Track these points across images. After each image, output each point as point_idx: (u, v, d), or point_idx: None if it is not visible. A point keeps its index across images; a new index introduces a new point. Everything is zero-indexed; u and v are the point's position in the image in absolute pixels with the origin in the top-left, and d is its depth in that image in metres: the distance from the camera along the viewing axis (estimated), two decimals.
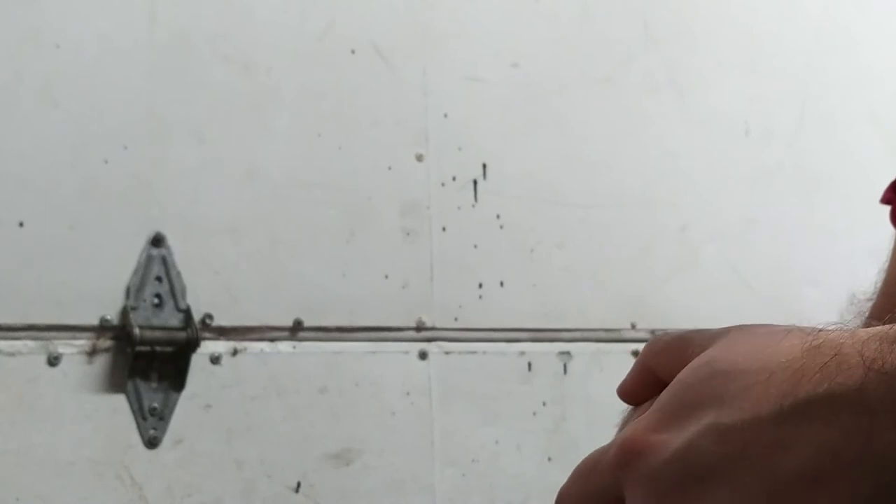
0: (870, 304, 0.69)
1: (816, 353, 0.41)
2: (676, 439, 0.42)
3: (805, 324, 0.44)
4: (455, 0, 1.86)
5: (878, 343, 0.40)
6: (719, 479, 0.41)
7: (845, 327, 0.42)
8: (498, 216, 1.86)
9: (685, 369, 0.44)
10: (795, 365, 0.41)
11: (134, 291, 1.61)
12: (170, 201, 1.64)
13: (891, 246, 0.69)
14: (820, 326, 0.43)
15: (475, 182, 1.85)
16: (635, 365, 0.51)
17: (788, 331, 0.43)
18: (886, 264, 0.70)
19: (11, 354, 1.55)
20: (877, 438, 0.39)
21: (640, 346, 2.12)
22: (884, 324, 0.41)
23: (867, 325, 0.67)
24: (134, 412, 1.60)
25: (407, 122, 1.81)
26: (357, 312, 1.75)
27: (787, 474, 0.40)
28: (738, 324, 0.47)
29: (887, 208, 0.71)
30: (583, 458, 0.49)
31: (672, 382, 0.44)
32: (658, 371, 0.49)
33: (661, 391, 0.46)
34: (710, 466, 0.41)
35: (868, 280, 0.70)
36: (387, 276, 1.77)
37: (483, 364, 1.83)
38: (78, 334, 1.58)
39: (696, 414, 0.42)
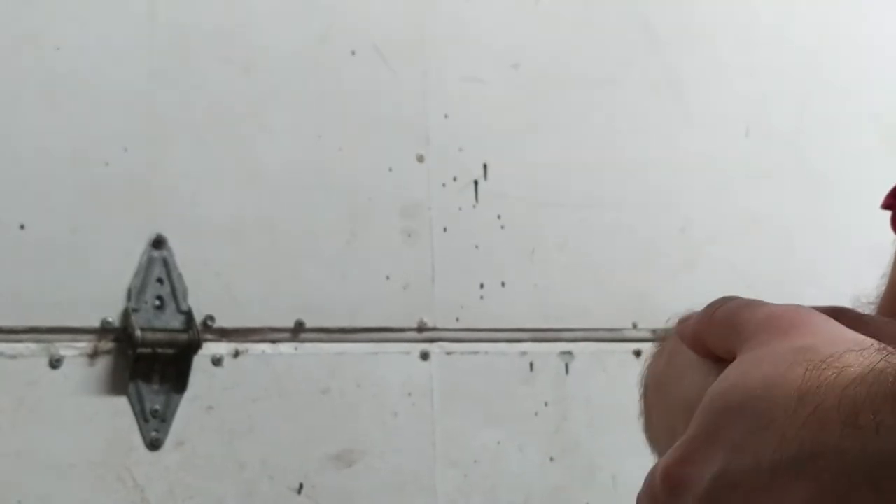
0: (872, 307, 0.69)
1: (802, 404, 0.42)
2: (703, 478, 0.44)
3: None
4: (455, 1, 1.86)
5: (855, 388, 0.40)
6: None
7: (845, 355, 0.42)
8: (499, 216, 1.86)
9: (714, 390, 0.46)
10: (789, 412, 0.42)
11: (135, 293, 1.61)
12: (171, 203, 1.64)
13: (892, 250, 0.69)
14: (829, 351, 0.43)
15: (476, 182, 1.85)
16: (692, 332, 0.53)
17: (795, 356, 0.44)
18: (889, 268, 0.70)
19: (13, 357, 1.55)
20: (855, 499, 0.39)
21: (642, 346, 2.13)
22: (876, 352, 0.42)
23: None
24: (136, 414, 1.60)
25: (408, 122, 1.81)
26: (358, 313, 1.75)
27: None
28: (788, 305, 0.48)
29: (887, 210, 0.71)
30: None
31: (702, 405, 0.46)
32: (710, 345, 0.51)
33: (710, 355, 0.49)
34: None
35: (869, 280, 0.70)
36: (388, 277, 1.77)
37: (485, 364, 1.83)
38: (79, 336, 1.58)
39: (717, 453, 0.44)
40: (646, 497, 0.48)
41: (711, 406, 0.45)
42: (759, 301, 0.50)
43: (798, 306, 0.49)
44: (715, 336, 0.50)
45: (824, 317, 0.47)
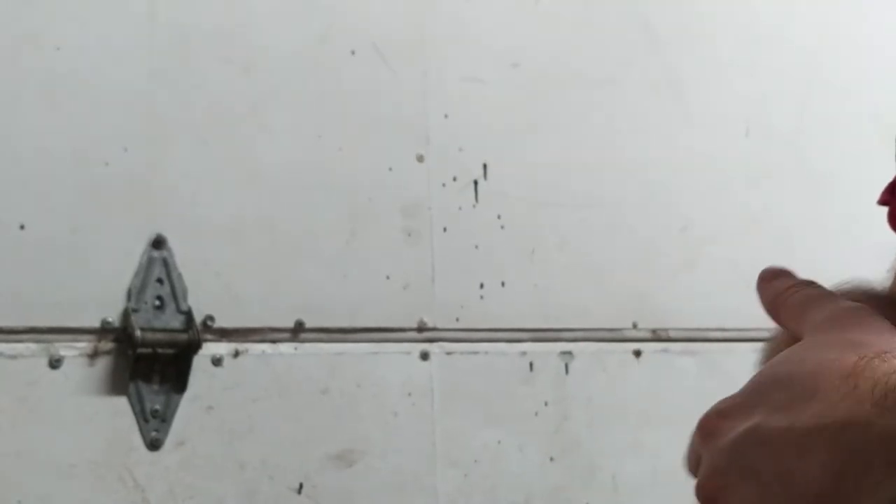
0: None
1: (846, 382, 0.46)
2: (735, 430, 0.49)
3: None
4: (455, 1, 1.86)
5: (891, 375, 0.45)
6: (754, 477, 0.48)
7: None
8: (499, 216, 1.86)
9: (772, 361, 0.51)
10: (834, 388, 0.46)
11: (135, 293, 1.61)
12: (171, 203, 1.64)
13: None
14: (884, 347, 0.48)
15: (476, 182, 1.85)
16: (770, 299, 0.57)
17: (850, 346, 0.48)
18: (895, 263, 0.70)
19: (13, 357, 1.55)
20: (873, 469, 0.44)
21: (642, 346, 2.12)
22: None
23: None
24: (136, 414, 1.60)
25: (407, 122, 1.81)
26: (358, 313, 1.75)
27: (799, 485, 0.45)
28: (854, 305, 0.52)
29: (885, 208, 0.71)
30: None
31: (758, 372, 0.51)
32: (781, 318, 0.56)
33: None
34: (750, 463, 0.48)
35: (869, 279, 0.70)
36: (388, 277, 1.77)
37: (485, 364, 1.83)
38: (79, 337, 1.58)
39: (754, 411, 0.49)
40: (690, 444, 0.53)
41: (761, 375, 0.50)
42: (833, 295, 0.54)
43: (861, 308, 0.53)
44: (786, 316, 0.55)
45: (883, 319, 0.51)
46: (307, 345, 1.72)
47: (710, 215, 2.02)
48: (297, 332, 1.71)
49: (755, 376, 0.51)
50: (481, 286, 1.84)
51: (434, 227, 1.81)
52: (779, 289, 0.57)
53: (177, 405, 1.63)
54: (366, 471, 1.73)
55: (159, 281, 1.63)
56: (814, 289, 0.55)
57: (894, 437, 0.43)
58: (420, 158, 1.81)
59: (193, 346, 1.62)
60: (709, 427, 0.50)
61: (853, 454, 0.44)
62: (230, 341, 1.67)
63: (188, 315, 1.63)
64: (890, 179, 0.71)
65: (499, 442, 1.83)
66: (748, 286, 2.01)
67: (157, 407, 1.61)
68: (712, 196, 2.03)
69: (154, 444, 1.61)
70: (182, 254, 1.64)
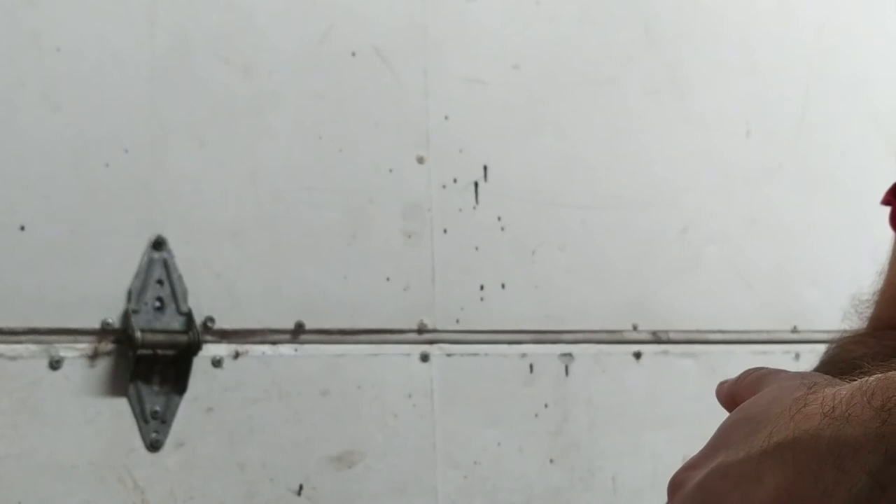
0: (868, 303, 0.71)
1: (795, 406, 0.49)
2: (698, 475, 0.52)
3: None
4: (455, 2, 1.86)
5: (838, 391, 0.47)
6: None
7: (844, 383, 0.49)
8: (499, 218, 1.86)
9: (731, 414, 0.54)
10: (783, 413, 0.49)
11: (135, 295, 1.61)
12: (171, 204, 1.64)
13: (890, 248, 0.70)
14: (824, 382, 0.50)
15: (476, 184, 1.85)
16: (726, 390, 0.61)
17: (802, 385, 0.51)
18: (885, 266, 0.71)
19: (13, 358, 1.55)
20: (822, 478, 0.45)
21: (642, 348, 2.12)
22: (861, 375, 0.48)
23: (868, 327, 0.69)
24: (136, 415, 1.60)
25: (408, 124, 1.81)
26: (358, 315, 1.75)
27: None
28: (798, 372, 0.56)
29: (887, 209, 0.71)
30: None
31: (720, 425, 0.54)
32: (738, 400, 0.58)
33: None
34: (715, 496, 0.50)
35: (868, 279, 0.71)
36: (388, 279, 1.77)
37: (485, 366, 1.83)
38: (79, 338, 1.58)
39: (717, 455, 0.52)
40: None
41: (722, 426, 0.53)
42: (783, 369, 0.58)
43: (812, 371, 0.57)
44: (744, 393, 0.57)
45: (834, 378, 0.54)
46: (307, 346, 1.72)
47: (710, 215, 2.02)
48: (298, 333, 1.71)
49: (718, 429, 0.54)
50: (481, 288, 1.84)
51: (434, 229, 1.81)
52: (732, 379, 0.60)
53: (177, 406, 1.63)
54: (366, 472, 1.73)
55: (159, 282, 1.63)
56: (765, 368, 0.59)
57: (843, 443, 0.45)
58: (420, 160, 1.81)
59: (193, 348, 1.62)
60: (677, 481, 0.53)
61: (803, 467, 0.46)
62: (230, 343, 1.67)
63: (188, 316, 1.63)
64: (891, 180, 0.72)
65: (499, 443, 1.83)
66: (748, 287, 2.01)
67: (157, 408, 1.61)
68: (712, 196, 2.02)
69: (154, 446, 1.61)
70: (182, 255, 1.64)
